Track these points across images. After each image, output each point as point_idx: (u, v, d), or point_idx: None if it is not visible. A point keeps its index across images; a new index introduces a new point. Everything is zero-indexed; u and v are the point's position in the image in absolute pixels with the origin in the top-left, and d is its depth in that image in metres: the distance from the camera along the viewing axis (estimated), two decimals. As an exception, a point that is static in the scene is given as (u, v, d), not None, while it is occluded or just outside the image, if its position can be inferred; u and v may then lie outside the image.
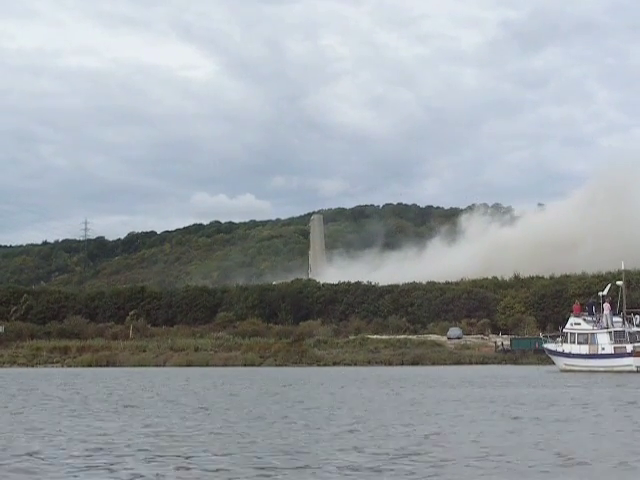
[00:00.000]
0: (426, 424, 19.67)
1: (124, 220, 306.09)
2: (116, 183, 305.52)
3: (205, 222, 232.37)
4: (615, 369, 52.73)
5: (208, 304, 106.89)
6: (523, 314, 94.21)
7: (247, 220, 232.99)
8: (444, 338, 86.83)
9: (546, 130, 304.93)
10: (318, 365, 71.82)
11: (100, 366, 71.99)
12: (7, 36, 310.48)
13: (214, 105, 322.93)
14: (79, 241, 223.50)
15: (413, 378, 45.43)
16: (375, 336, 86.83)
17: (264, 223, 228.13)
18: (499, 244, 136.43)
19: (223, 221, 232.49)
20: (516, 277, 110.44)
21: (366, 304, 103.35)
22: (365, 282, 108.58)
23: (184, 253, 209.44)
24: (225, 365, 72.15)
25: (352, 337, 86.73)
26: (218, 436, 17.46)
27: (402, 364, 72.72)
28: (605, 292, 56.87)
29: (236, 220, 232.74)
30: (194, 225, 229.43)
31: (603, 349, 54.42)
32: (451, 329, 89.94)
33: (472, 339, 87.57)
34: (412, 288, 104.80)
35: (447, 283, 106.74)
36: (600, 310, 56.21)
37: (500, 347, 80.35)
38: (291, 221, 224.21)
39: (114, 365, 72.87)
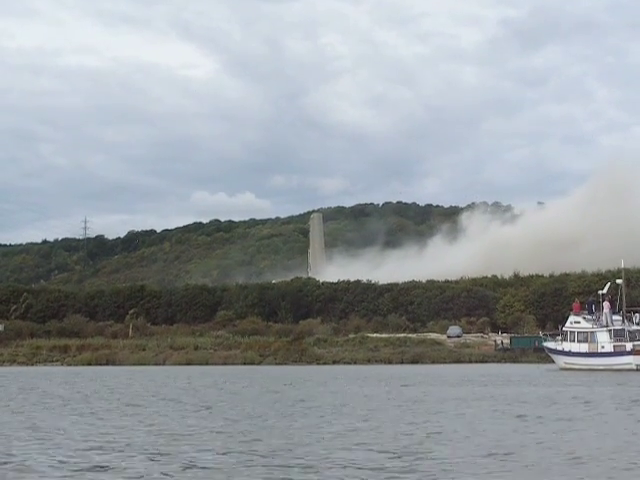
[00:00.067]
0: (429, 422, 19.66)
1: (124, 219, 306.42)
2: (116, 182, 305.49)
3: (205, 221, 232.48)
4: (615, 367, 52.73)
5: (208, 303, 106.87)
6: (523, 312, 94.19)
7: (247, 219, 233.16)
8: (444, 336, 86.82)
9: (546, 128, 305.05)
10: (318, 364, 71.86)
11: (100, 365, 72.05)
12: (7, 35, 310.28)
13: (214, 104, 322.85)
14: (79, 240, 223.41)
15: (414, 377, 45.45)
16: (375, 335, 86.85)
17: (264, 222, 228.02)
18: (500, 242, 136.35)
19: (223, 220, 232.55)
20: (516, 275, 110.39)
21: (366, 302, 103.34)
22: (365, 281, 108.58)
23: (184, 252, 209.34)
24: (225, 364, 72.18)
25: (352, 336, 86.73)
26: (220, 435, 17.46)
27: (402, 362, 72.76)
28: (605, 290, 56.88)
29: (236, 219, 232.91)
30: (194, 224, 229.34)
31: (603, 347, 54.46)
32: (451, 327, 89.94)
33: (472, 337, 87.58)
34: (412, 286, 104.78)
35: (447, 281, 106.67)
36: (600, 308, 56.23)
37: (500, 345, 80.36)
38: (291, 220, 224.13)
39: (114, 364, 72.93)
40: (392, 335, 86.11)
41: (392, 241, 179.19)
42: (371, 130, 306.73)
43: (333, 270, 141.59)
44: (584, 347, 55.20)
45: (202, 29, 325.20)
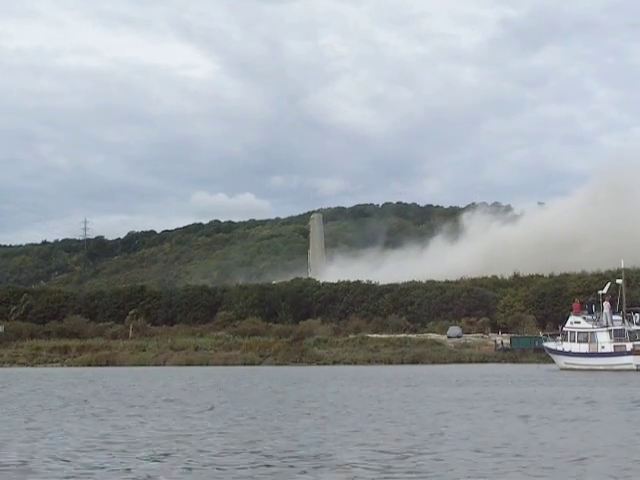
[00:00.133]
0: (433, 423, 19.66)
1: (124, 219, 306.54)
2: (116, 182, 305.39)
3: (205, 221, 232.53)
4: (615, 367, 52.75)
5: (208, 303, 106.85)
6: (523, 313, 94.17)
7: (247, 219, 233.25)
8: (444, 337, 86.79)
9: (546, 129, 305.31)
10: (318, 364, 71.84)
11: (100, 366, 72.00)
12: (6, 36, 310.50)
13: (214, 104, 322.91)
14: (79, 240, 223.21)
15: (415, 377, 45.42)
16: (375, 335, 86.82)
17: (264, 222, 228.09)
18: (501, 242, 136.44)
19: (223, 220, 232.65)
20: (516, 276, 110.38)
21: (366, 303, 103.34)
22: (365, 281, 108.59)
23: (184, 252, 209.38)
24: (225, 364, 72.15)
25: (352, 336, 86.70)
26: (224, 435, 17.44)
27: (402, 363, 72.73)
28: (605, 290, 56.89)
29: (236, 219, 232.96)
30: (194, 224, 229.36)
31: (603, 347, 54.46)
32: (451, 328, 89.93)
33: (472, 338, 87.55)
34: (412, 287, 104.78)
35: (447, 282, 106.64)
36: (600, 308, 56.24)
37: (500, 346, 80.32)
38: (291, 220, 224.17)
39: (114, 365, 72.87)
40: (392, 335, 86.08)
41: (392, 241, 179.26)
42: (371, 130, 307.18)
43: (333, 271, 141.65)
44: (584, 347, 55.20)
45: (202, 30, 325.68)
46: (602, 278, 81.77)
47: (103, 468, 13.15)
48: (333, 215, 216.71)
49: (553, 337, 60.25)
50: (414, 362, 73.01)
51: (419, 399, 28.03)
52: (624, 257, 62.06)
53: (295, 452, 14.66)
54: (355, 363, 72.61)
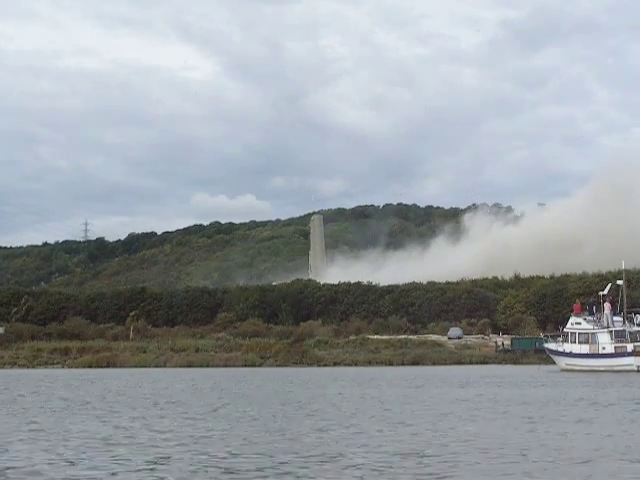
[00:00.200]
0: (438, 424, 19.65)
1: (124, 221, 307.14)
2: (116, 184, 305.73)
3: (205, 223, 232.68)
4: (616, 368, 52.75)
5: (208, 305, 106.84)
6: (523, 314, 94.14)
7: (247, 220, 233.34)
8: (444, 338, 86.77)
9: (546, 130, 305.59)
10: (318, 365, 71.78)
11: (100, 367, 71.93)
12: (6, 37, 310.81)
13: (214, 106, 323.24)
14: (79, 242, 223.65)
15: (416, 378, 45.41)
16: (375, 336, 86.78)
17: (264, 223, 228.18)
18: (502, 243, 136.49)
19: (223, 222, 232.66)
20: (516, 277, 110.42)
21: (366, 304, 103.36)
22: (365, 282, 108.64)
23: (184, 254, 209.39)
24: (226, 366, 72.06)
25: (352, 337, 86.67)
26: (227, 437, 17.44)
27: (403, 364, 72.66)
28: (605, 291, 56.90)
29: (236, 221, 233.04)
30: (194, 226, 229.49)
31: (604, 349, 54.45)
32: (451, 329, 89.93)
33: (472, 339, 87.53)
34: (412, 288, 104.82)
35: (447, 283, 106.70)
36: (601, 310, 56.25)
37: (500, 347, 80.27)
38: (291, 221, 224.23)
39: (114, 366, 72.76)
40: (393, 337, 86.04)
41: (393, 243, 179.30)
42: (371, 131, 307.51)
43: (334, 272, 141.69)
44: (585, 348, 55.19)
45: (202, 31, 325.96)
46: (603, 279, 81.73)
47: (105, 470, 13.15)
48: (334, 216, 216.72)
49: (554, 338, 60.21)
50: (415, 363, 72.97)
51: (421, 400, 28.02)
52: (625, 258, 62.10)
53: (299, 454, 14.65)
54: (356, 364, 72.55)
